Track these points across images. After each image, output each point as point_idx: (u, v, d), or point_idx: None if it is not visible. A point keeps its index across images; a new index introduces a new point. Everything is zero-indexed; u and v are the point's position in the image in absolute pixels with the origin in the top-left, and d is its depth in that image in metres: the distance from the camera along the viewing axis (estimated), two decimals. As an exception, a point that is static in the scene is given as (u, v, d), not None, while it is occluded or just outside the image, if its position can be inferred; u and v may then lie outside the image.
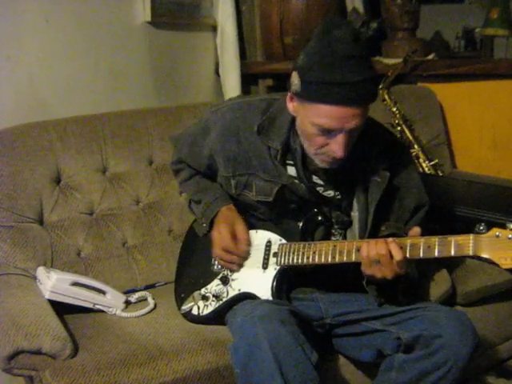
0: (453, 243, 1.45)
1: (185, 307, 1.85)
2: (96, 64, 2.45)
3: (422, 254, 1.49)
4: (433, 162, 2.70)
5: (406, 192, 1.78)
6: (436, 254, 1.47)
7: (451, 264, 2.20)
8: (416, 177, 1.81)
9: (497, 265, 1.39)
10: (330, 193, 1.76)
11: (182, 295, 1.88)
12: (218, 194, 1.87)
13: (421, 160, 2.70)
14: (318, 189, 1.75)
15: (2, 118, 2.11)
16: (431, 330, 1.59)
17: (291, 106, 1.63)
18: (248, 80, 3.08)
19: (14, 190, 1.98)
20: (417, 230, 1.58)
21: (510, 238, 1.38)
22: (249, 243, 1.79)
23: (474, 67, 2.90)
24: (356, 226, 1.73)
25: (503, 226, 1.41)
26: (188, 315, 1.84)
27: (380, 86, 2.75)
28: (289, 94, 1.63)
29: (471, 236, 1.43)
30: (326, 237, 1.76)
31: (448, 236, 1.46)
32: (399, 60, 2.82)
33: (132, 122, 2.24)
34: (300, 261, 1.69)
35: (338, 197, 1.76)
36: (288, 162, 1.75)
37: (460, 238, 1.44)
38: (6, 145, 2.01)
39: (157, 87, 2.72)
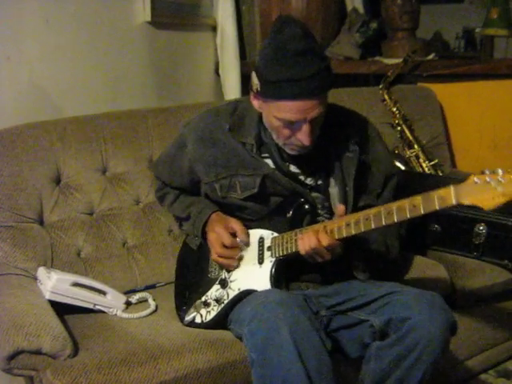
0: (436, 197, 1.48)
1: (188, 318, 1.85)
2: (96, 64, 2.44)
3: (408, 214, 1.51)
4: (433, 162, 2.70)
5: (374, 165, 1.85)
6: (422, 210, 1.50)
7: (451, 264, 2.20)
8: (382, 149, 1.89)
9: (481, 208, 1.43)
10: (311, 180, 1.81)
11: (184, 308, 1.89)
12: (203, 205, 1.92)
13: (421, 160, 2.70)
14: (299, 177, 1.80)
15: (2, 117, 2.11)
16: (400, 313, 1.60)
17: (256, 103, 1.72)
18: (248, 80, 3.07)
19: (14, 189, 1.98)
20: (341, 207, 1.66)
21: (487, 181, 1.42)
22: (247, 233, 1.81)
23: (473, 67, 2.91)
24: (336, 201, 1.77)
25: (482, 173, 1.44)
26: (192, 325, 1.84)
27: (380, 86, 2.76)
28: (252, 93, 1.71)
29: (451, 186, 1.46)
30: (314, 223, 1.76)
31: (430, 192, 1.50)
32: (399, 60, 2.82)
33: (132, 122, 2.25)
34: (294, 248, 1.70)
35: (319, 182, 1.81)
36: (264, 155, 1.81)
37: (442, 191, 1.48)
38: (5, 145, 2.01)
39: (157, 87, 2.72)
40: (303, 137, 1.65)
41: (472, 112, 2.96)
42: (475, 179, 1.43)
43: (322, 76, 1.60)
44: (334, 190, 1.79)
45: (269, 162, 1.81)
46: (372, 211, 1.58)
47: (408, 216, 1.52)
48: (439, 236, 2.23)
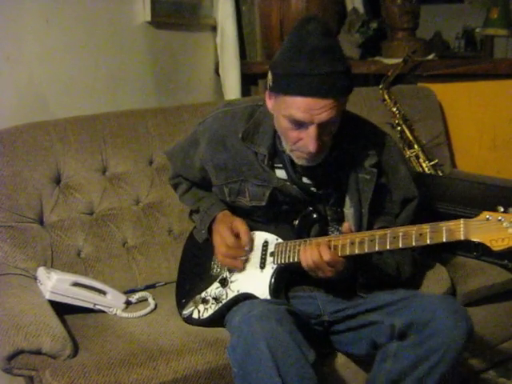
0: (444, 229, 1.45)
1: (186, 312, 1.86)
2: (96, 64, 2.45)
3: (414, 243, 1.50)
4: (433, 162, 2.70)
5: (394, 186, 1.81)
6: (428, 240, 1.47)
7: (451, 264, 2.20)
8: (403, 171, 1.83)
9: (488, 247, 1.39)
10: (322, 191, 1.78)
11: (183, 300, 1.89)
12: (213, 201, 1.91)
13: (421, 160, 2.70)
14: (311, 189, 1.77)
15: (2, 117, 2.11)
16: (423, 317, 1.60)
17: (269, 103, 1.67)
18: (248, 80, 3.08)
19: (14, 189, 1.98)
20: (346, 225, 1.64)
21: (500, 220, 1.38)
22: (249, 234, 1.80)
23: (473, 67, 2.91)
24: (351, 222, 1.73)
25: (494, 209, 1.41)
26: (189, 320, 1.84)
27: (380, 86, 2.76)
28: (266, 92, 1.67)
29: (462, 221, 1.43)
30: (322, 234, 1.75)
31: (439, 222, 1.47)
32: (399, 60, 2.82)
33: (132, 122, 2.24)
34: (296, 258, 1.69)
35: (331, 195, 1.78)
36: (276, 165, 1.78)
37: (451, 224, 1.45)
38: (6, 145, 2.01)
39: (157, 87, 2.72)
40: (309, 141, 1.58)
41: (472, 112, 2.95)
42: (487, 216, 1.40)
43: (337, 78, 1.54)
44: (349, 211, 1.74)
45: (281, 172, 1.77)
46: (378, 233, 1.56)
47: (413, 244, 1.50)
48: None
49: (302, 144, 1.61)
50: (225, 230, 1.80)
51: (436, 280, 2.06)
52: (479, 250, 2.19)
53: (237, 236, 1.80)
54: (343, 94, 1.58)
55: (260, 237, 1.81)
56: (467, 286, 2.15)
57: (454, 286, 2.13)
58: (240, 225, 1.80)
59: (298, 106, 1.55)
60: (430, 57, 3.01)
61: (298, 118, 1.57)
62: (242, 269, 1.80)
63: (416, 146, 2.71)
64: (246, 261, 1.80)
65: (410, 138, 2.72)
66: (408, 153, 2.70)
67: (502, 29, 3.07)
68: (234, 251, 1.79)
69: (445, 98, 2.93)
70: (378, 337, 1.69)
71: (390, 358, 1.65)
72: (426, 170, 2.68)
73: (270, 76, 1.62)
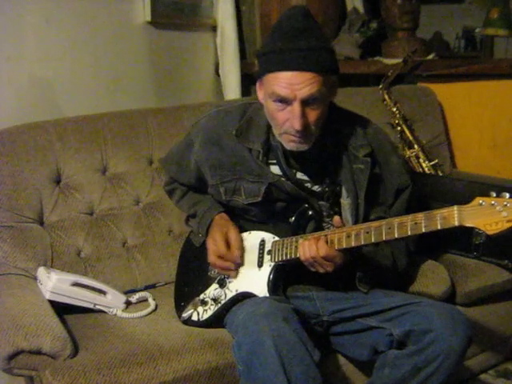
0: (438, 216, 1.46)
1: (185, 315, 1.85)
2: (96, 64, 2.45)
3: (409, 232, 1.50)
4: (433, 162, 2.70)
5: (387, 176, 1.82)
6: (423, 229, 1.48)
7: (451, 264, 2.20)
8: (395, 160, 1.85)
9: (483, 231, 1.41)
10: (317, 187, 1.79)
11: (182, 303, 1.89)
12: (210, 204, 1.91)
13: (421, 160, 2.70)
14: (306, 184, 1.78)
15: (2, 117, 2.12)
16: (422, 325, 1.60)
17: (260, 94, 1.71)
18: (248, 80, 3.08)
19: (14, 189, 1.98)
20: (337, 219, 1.64)
21: (493, 205, 1.40)
22: (241, 248, 1.81)
23: (473, 67, 2.90)
24: (347, 212, 1.74)
25: (487, 195, 1.43)
26: (188, 322, 1.84)
27: (380, 86, 2.76)
28: (257, 84, 1.71)
29: (455, 207, 1.44)
30: (318, 230, 1.75)
31: (433, 211, 1.48)
32: (399, 60, 2.82)
33: (132, 122, 2.25)
34: (294, 255, 1.69)
35: (326, 189, 1.78)
36: (271, 161, 1.79)
37: (445, 211, 1.46)
38: (5, 145, 2.01)
39: (157, 87, 2.72)
40: (294, 119, 1.60)
41: (472, 112, 2.95)
42: (480, 201, 1.41)
43: (315, 53, 1.58)
44: (346, 201, 1.75)
45: (276, 168, 1.78)
46: (374, 224, 1.57)
47: (409, 233, 1.51)
48: (439, 236, 2.22)
49: (289, 125, 1.63)
50: (218, 239, 1.81)
51: (435, 280, 2.06)
52: (479, 250, 2.19)
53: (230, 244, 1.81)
54: (323, 70, 1.60)
55: (256, 236, 1.82)
56: (467, 286, 2.15)
57: (454, 285, 2.13)
58: (234, 237, 1.81)
59: (279, 81, 1.59)
60: (430, 57, 3.01)
61: (280, 94, 1.59)
62: (234, 276, 1.81)
63: (416, 146, 2.71)
64: (243, 261, 1.81)
65: (410, 138, 2.72)
66: (408, 153, 2.70)
67: (502, 29, 3.07)
68: (224, 262, 1.80)
69: (445, 98, 2.93)
70: (377, 343, 1.70)
71: (388, 365, 1.65)
72: (426, 170, 2.68)
73: (256, 63, 1.67)
